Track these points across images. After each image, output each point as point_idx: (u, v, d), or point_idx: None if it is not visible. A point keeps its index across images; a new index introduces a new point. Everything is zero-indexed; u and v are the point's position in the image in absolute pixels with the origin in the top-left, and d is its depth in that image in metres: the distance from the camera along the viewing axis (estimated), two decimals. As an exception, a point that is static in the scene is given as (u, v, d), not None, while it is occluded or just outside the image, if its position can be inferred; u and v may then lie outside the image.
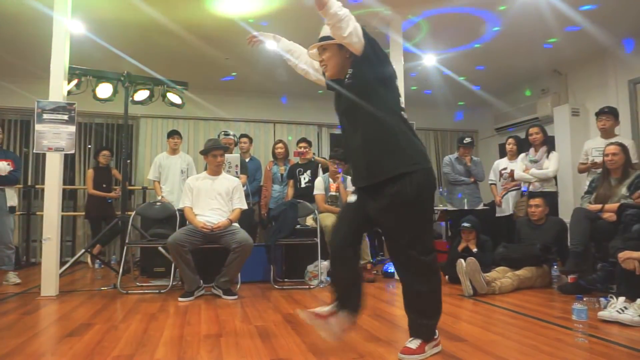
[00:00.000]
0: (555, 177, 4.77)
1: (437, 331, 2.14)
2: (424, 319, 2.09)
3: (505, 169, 5.18)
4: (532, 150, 4.80)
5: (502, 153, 6.01)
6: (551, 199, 4.52)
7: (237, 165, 4.57)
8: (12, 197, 4.54)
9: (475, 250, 4.12)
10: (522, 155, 4.89)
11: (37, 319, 2.94)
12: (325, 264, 4.25)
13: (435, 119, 8.00)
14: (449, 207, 5.33)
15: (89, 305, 3.32)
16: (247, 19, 4.63)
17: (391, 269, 4.67)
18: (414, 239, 2.04)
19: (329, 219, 4.45)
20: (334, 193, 4.70)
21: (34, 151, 3.94)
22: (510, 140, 5.26)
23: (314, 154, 5.53)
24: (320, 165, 5.28)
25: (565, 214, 4.48)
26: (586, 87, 5.90)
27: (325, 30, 2.14)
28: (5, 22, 4.65)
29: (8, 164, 4.45)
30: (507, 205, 5.08)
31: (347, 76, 2.11)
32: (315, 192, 4.75)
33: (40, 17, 4.30)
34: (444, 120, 8.11)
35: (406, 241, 2.05)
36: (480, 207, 5.18)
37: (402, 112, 2.14)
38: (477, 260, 3.60)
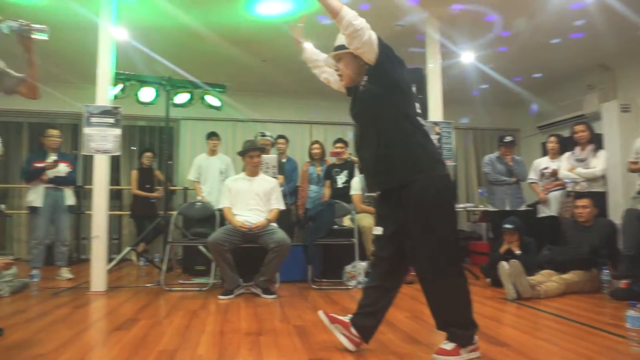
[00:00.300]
0: (604, 177, 4.55)
1: (476, 337, 2.08)
2: (457, 330, 2.05)
3: (546, 168, 5.00)
4: (577, 148, 4.60)
5: (546, 152, 5.80)
6: (600, 200, 4.32)
7: (274, 166, 4.63)
8: (70, 197, 4.80)
9: (518, 252, 3.99)
10: (568, 154, 4.70)
11: (88, 312, 3.08)
12: (363, 265, 4.24)
13: (474, 118, 7.81)
14: (490, 208, 5.19)
15: (135, 301, 3.45)
16: (283, 20, 4.67)
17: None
18: (431, 251, 2.02)
19: (366, 220, 4.43)
20: (370, 193, 4.67)
21: (83, 153, 4.13)
22: (551, 138, 5.06)
23: (350, 154, 5.52)
24: (356, 165, 5.27)
25: (615, 215, 4.27)
26: (637, 82, 5.60)
27: (341, 39, 2.15)
28: (54, 30, 4.88)
29: (67, 166, 4.72)
30: (552, 206, 4.89)
31: (362, 83, 2.12)
32: (352, 192, 4.74)
33: (86, 26, 4.49)
34: (483, 118, 7.90)
35: (425, 252, 2.03)
36: (523, 207, 5.01)
37: (417, 118, 2.11)
38: (520, 262, 3.49)
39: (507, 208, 4.90)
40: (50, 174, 4.61)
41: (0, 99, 5.97)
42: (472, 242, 6.45)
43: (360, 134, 2.20)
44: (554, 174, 4.84)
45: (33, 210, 4.60)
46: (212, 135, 5.66)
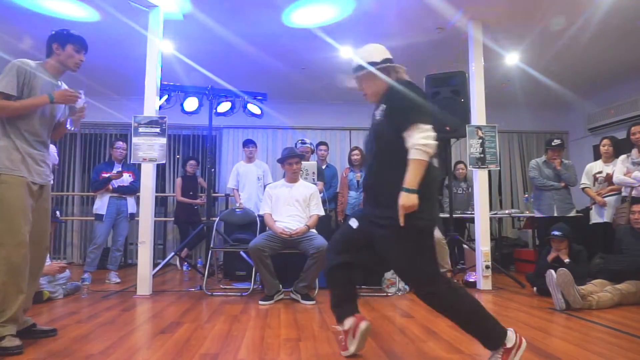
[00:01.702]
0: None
1: (510, 332, 1.94)
2: (481, 341, 1.99)
3: (600, 172, 4.75)
4: (634, 151, 4.35)
5: (597, 155, 5.52)
6: (658, 206, 4.05)
7: (314, 172, 4.65)
8: (132, 205, 5.04)
9: (567, 260, 3.81)
10: (623, 157, 4.45)
11: (134, 315, 3.20)
12: (402, 272, 4.17)
13: (519, 121, 7.55)
14: (536, 214, 4.99)
15: (178, 305, 3.54)
16: (321, 27, 4.72)
17: (472, 278, 4.47)
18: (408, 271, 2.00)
19: (406, 226, 4.36)
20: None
21: (131, 161, 4.31)
22: (605, 141, 4.81)
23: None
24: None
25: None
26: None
27: (360, 57, 2.16)
28: (105, 46, 5.15)
29: (129, 175, 4.98)
30: (605, 212, 4.63)
31: (379, 113, 2.06)
32: (391, 198, 4.68)
33: (134, 41, 4.70)
34: (528, 121, 7.63)
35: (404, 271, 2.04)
36: (573, 213, 4.79)
37: None
38: (569, 271, 3.33)
39: (555, 214, 4.70)
40: (115, 183, 4.89)
41: (56, 111, 6.26)
42: (517, 249, 6.22)
43: (367, 154, 2.19)
44: (609, 178, 4.60)
45: (98, 217, 4.88)
46: (248, 143, 5.78)
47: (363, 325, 2.14)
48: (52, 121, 2.57)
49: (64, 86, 2.64)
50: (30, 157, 2.43)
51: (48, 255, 3.96)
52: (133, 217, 5.08)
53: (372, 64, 2.12)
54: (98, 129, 7.21)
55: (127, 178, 5.01)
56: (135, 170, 5.13)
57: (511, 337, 1.93)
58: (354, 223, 2.20)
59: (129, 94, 6.38)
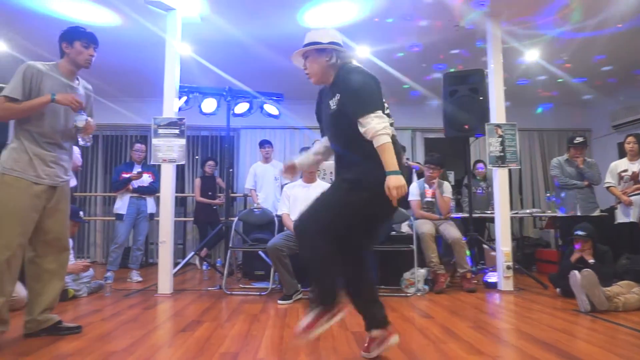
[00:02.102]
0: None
1: (340, 307, 2.01)
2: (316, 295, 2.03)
3: (625, 170, 4.63)
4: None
5: (622, 153, 5.39)
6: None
7: (331, 172, 4.65)
8: (151, 205, 5.13)
9: (591, 261, 3.72)
10: (649, 154, 4.33)
11: (156, 314, 3.24)
12: (422, 272, 4.15)
13: (540, 118, 7.42)
14: (559, 213, 4.89)
15: (199, 304, 3.58)
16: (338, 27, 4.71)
17: (491, 279, 4.40)
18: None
19: (425, 226, 4.34)
20: (430, 199, 4.56)
21: (151, 163, 4.37)
22: (629, 138, 4.68)
23: (407, 159, 5.44)
24: (414, 170, 5.18)
25: None
26: None
27: (308, 37, 2.16)
28: (124, 49, 5.24)
29: (149, 176, 5.07)
30: (631, 212, 4.51)
31: (333, 102, 2.08)
32: (410, 198, 4.66)
33: (152, 43, 4.76)
34: (549, 119, 7.49)
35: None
36: (596, 213, 4.68)
37: None
38: (594, 272, 3.26)
39: (578, 213, 4.61)
40: (135, 183, 4.99)
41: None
42: (539, 249, 6.12)
43: (329, 138, 2.26)
44: (635, 176, 4.48)
45: (118, 216, 4.97)
46: (264, 143, 5.81)
47: (393, 339, 2.12)
48: (66, 124, 2.56)
49: (82, 88, 2.68)
50: (38, 157, 2.42)
51: (72, 254, 4.07)
52: (152, 217, 5.16)
53: (317, 43, 2.12)
54: (119, 130, 7.34)
55: (146, 179, 5.10)
56: (155, 171, 5.21)
57: (338, 310, 2.00)
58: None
59: (148, 96, 6.47)
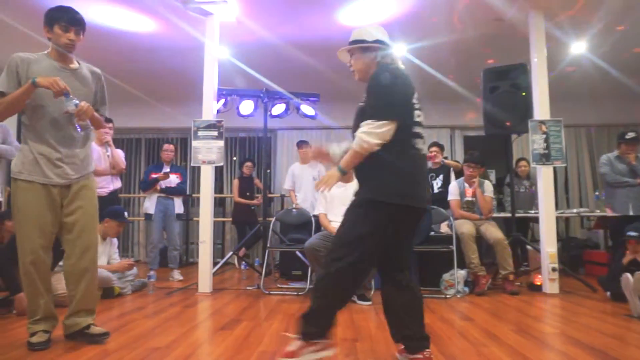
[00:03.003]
0: None
1: (328, 345, 1.95)
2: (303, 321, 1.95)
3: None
4: None
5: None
6: None
7: (367, 172, 4.61)
8: (179, 206, 5.25)
9: (645, 263, 3.52)
10: None
11: (196, 312, 3.32)
12: (462, 273, 4.05)
13: (587, 114, 7.09)
14: (609, 213, 4.65)
15: (237, 303, 3.64)
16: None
17: (537, 281, 4.24)
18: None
19: (465, 226, 4.23)
20: (470, 198, 4.45)
21: (191, 164, 4.48)
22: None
23: (445, 157, 5.32)
24: (453, 169, 5.07)
25: None
26: None
27: (355, 34, 2.14)
28: (164, 54, 5.40)
29: (177, 177, 5.20)
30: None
31: (364, 96, 2.05)
32: (449, 197, 4.56)
33: (188, 47, 4.89)
34: (597, 114, 7.14)
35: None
36: (651, 212, 4.42)
37: (411, 139, 1.98)
38: (648, 275, 3.08)
39: (631, 213, 4.37)
40: (163, 184, 5.10)
41: (122, 118, 6.69)
42: (587, 250, 5.84)
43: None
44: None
45: (148, 216, 5.11)
46: (302, 144, 5.83)
47: None
48: (70, 117, 2.35)
49: (86, 71, 2.47)
50: (44, 157, 2.32)
51: (117, 253, 4.23)
52: (180, 217, 5.25)
53: (361, 41, 2.10)
54: (160, 133, 7.58)
55: (174, 179, 5.19)
56: (183, 172, 5.33)
57: (324, 347, 1.94)
58: None
59: (187, 100, 6.64)
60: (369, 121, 1.92)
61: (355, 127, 2.06)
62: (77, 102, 2.27)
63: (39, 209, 2.31)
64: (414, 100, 2.02)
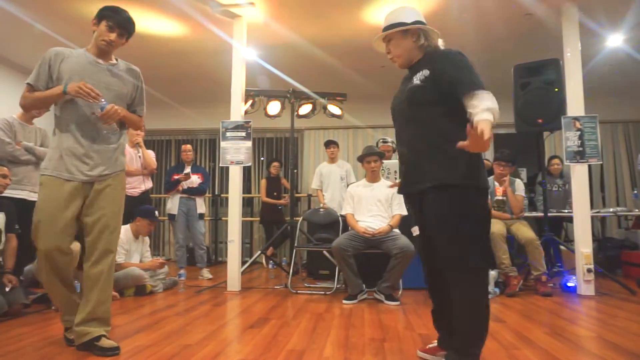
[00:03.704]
0: None
1: None
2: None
3: None
4: None
5: None
6: None
7: (395, 172, 4.58)
8: (201, 206, 5.34)
9: (688, 264, 3.37)
10: None
11: (225, 310, 3.37)
12: (492, 274, 3.97)
13: (624, 109, 6.83)
14: (648, 213, 4.47)
15: (266, 302, 3.68)
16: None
17: (570, 283, 4.12)
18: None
19: (495, 226, 4.14)
20: (500, 197, 4.36)
21: (220, 165, 4.55)
22: None
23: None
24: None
25: None
26: None
27: (389, 19, 2.02)
28: (190, 57, 5.50)
29: (199, 177, 5.27)
30: None
31: (417, 78, 1.91)
32: (478, 196, 4.47)
33: (216, 50, 4.96)
34: (635, 109, 6.87)
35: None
36: (694, 212, 4.23)
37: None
38: (691, 277, 2.94)
39: (672, 212, 4.19)
40: (185, 184, 5.18)
41: (152, 120, 6.86)
42: (625, 251, 5.62)
43: (398, 127, 2.07)
44: None
45: (171, 217, 5.21)
46: (330, 143, 5.83)
47: None
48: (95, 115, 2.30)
49: (124, 69, 2.42)
50: (70, 152, 2.26)
51: (149, 252, 4.34)
52: (202, 217, 5.31)
53: (401, 24, 1.98)
54: (190, 135, 7.73)
55: (196, 179, 5.26)
56: (205, 172, 5.41)
57: None
58: (415, 230, 2.13)
59: (216, 101, 6.75)
60: (481, 91, 1.74)
61: (405, 114, 1.96)
62: (105, 104, 2.22)
63: (57, 206, 2.22)
64: None
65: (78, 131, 2.28)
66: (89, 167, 2.29)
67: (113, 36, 2.32)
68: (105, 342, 2.22)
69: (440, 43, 2.02)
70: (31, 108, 2.37)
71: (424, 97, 1.89)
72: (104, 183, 2.33)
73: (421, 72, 1.92)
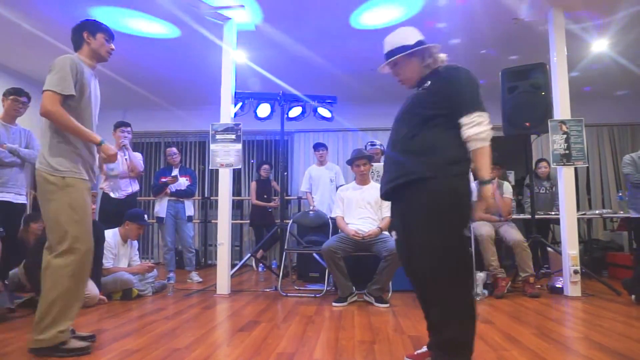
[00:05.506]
0: None
1: None
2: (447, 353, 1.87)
3: None
4: None
5: None
6: None
7: (385, 174, 4.60)
8: (189, 208, 5.28)
9: (671, 265, 3.43)
10: None
11: (214, 313, 3.35)
12: (481, 275, 4.00)
13: (609, 113, 6.94)
14: (633, 214, 4.54)
15: (255, 305, 3.66)
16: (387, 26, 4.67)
17: (559, 284, 4.17)
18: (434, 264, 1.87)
19: (483, 228, 4.19)
20: (488, 200, 4.39)
21: (209, 167, 4.53)
22: None
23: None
24: (470, 170, 5.01)
25: None
26: None
27: (390, 43, 2.06)
28: (182, 58, 5.47)
29: (187, 180, 5.24)
30: None
31: (425, 86, 1.97)
32: (467, 199, 4.50)
33: (208, 53, 4.94)
34: (620, 113, 6.98)
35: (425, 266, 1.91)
36: (677, 214, 4.30)
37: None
38: (675, 278, 3.00)
39: (656, 214, 4.25)
40: (172, 187, 5.13)
41: (142, 122, 6.80)
42: (610, 253, 5.71)
43: (392, 132, 2.09)
44: None
45: (159, 220, 5.15)
46: (318, 146, 5.84)
47: None
48: (92, 127, 2.48)
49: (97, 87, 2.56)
50: (84, 159, 2.40)
51: (137, 255, 4.30)
52: (191, 219, 5.27)
53: (404, 47, 2.02)
54: (179, 137, 7.69)
55: (183, 182, 5.22)
56: (193, 174, 5.38)
57: None
58: (394, 235, 2.15)
59: (205, 103, 6.73)
60: (479, 113, 1.84)
61: (404, 117, 2.01)
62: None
63: (88, 205, 2.37)
64: None
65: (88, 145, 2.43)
66: (92, 171, 2.47)
67: (112, 46, 2.55)
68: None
69: (444, 57, 2.05)
70: (62, 126, 2.29)
71: (423, 105, 1.94)
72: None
73: (426, 84, 1.99)
